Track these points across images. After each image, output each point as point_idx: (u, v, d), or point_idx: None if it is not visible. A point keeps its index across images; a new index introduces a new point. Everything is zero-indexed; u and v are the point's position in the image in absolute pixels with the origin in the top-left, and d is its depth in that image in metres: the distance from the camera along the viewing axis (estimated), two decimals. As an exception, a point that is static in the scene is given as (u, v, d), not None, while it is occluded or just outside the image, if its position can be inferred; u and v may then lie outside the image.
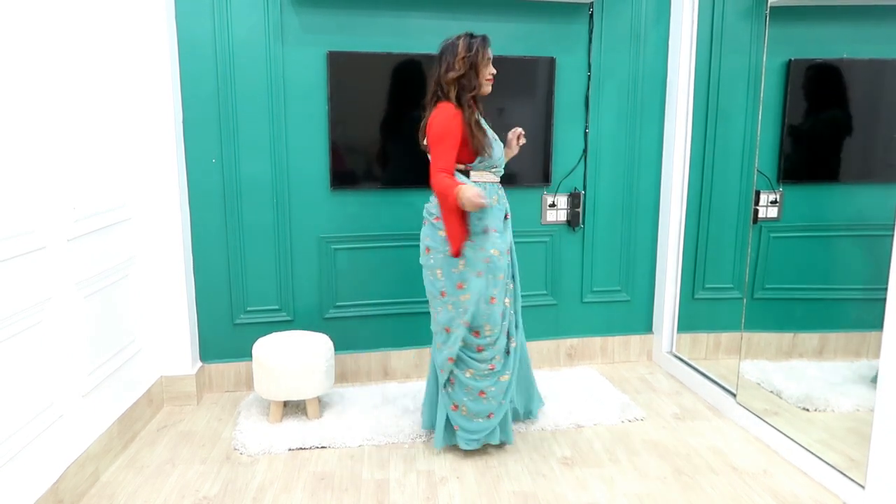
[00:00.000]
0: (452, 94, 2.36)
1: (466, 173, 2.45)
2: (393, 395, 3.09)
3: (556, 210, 3.39)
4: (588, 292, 3.52)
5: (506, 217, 2.53)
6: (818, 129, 3.23)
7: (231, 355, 3.18)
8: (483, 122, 2.47)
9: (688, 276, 3.41)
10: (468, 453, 2.58)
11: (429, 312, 2.59)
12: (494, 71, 2.41)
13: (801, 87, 3.09)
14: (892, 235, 2.03)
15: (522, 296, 3.41)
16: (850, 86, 3.13)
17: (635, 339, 3.61)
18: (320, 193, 3.14)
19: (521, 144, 2.64)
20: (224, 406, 3.04)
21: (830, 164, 3.23)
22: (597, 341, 3.57)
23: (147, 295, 2.91)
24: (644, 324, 3.61)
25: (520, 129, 2.64)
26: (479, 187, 2.36)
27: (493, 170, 2.49)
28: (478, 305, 2.41)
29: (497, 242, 2.41)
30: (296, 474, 2.45)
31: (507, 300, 2.51)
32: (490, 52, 2.39)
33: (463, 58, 2.33)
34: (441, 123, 2.35)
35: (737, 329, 3.00)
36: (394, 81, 3.08)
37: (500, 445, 2.63)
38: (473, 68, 2.34)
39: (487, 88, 2.43)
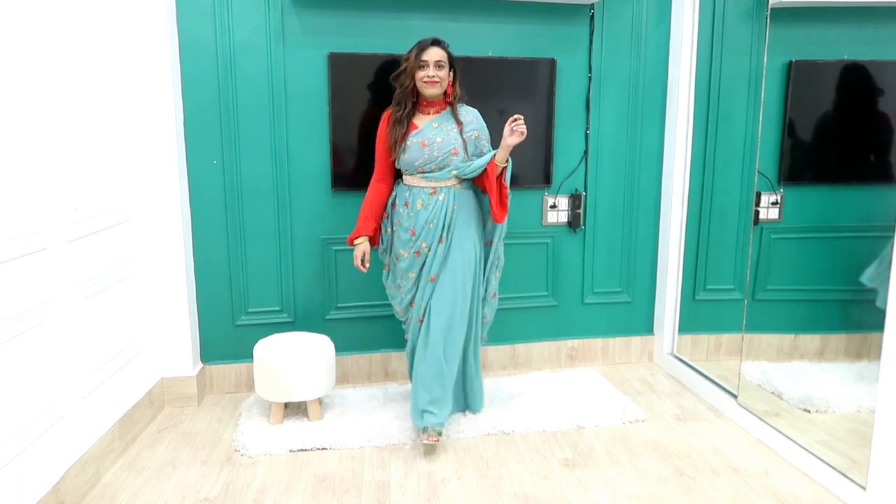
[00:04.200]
0: (395, 94, 2.65)
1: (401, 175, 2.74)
2: (394, 396, 3.09)
3: (557, 211, 3.39)
4: (589, 293, 3.52)
5: (437, 224, 2.64)
6: (819, 130, 3.23)
7: (232, 356, 3.18)
8: (429, 124, 2.63)
9: (689, 278, 3.41)
10: (469, 455, 2.59)
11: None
12: (431, 73, 2.54)
13: (802, 89, 3.09)
14: (893, 236, 2.03)
15: (523, 296, 3.42)
16: (851, 87, 3.13)
17: (636, 341, 3.61)
18: (321, 194, 3.14)
19: (516, 129, 2.48)
20: (225, 407, 3.04)
21: (831, 165, 3.23)
22: (598, 342, 3.57)
23: (148, 296, 2.91)
24: (645, 325, 3.61)
25: (514, 116, 2.50)
26: (364, 248, 2.74)
27: (420, 175, 2.64)
28: (390, 290, 2.86)
29: (400, 245, 2.71)
30: (297, 476, 2.45)
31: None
32: (426, 55, 2.54)
33: (405, 59, 2.60)
34: (378, 129, 2.73)
35: (738, 330, 3.00)
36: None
37: (500, 446, 2.65)
38: (407, 70, 2.57)
39: (425, 90, 2.59)
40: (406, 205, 2.67)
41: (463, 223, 2.67)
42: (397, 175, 2.77)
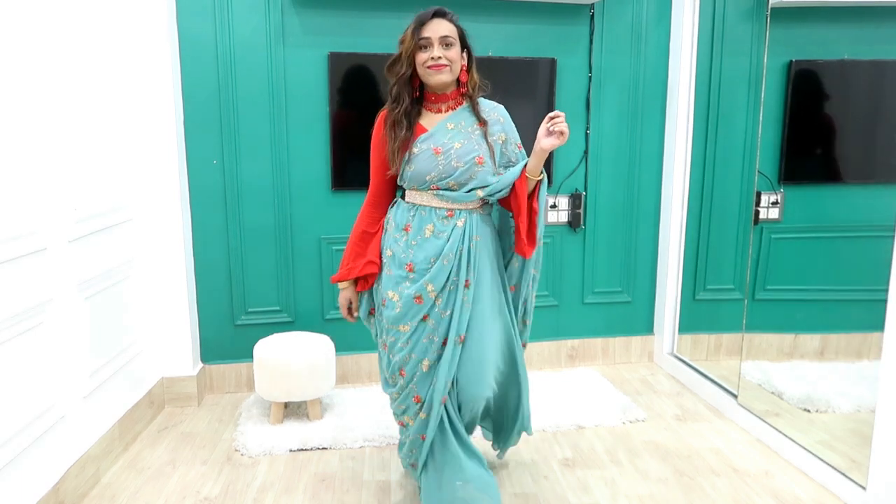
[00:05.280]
0: (391, 88, 1.97)
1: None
2: (394, 396, 3.09)
3: (557, 211, 3.39)
4: (589, 293, 3.52)
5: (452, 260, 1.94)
6: (819, 130, 3.23)
7: (232, 356, 3.18)
8: (442, 125, 1.95)
9: (689, 277, 3.41)
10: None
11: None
12: (436, 54, 1.86)
13: (802, 88, 3.09)
14: (893, 236, 2.03)
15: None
16: (851, 87, 3.13)
17: (636, 341, 3.61)
18: (321, 194, 3.14)
19: (554, 130, 1.85)
20: (225, 407, 3.04)
21: (831, 165, 3.23)
22: (598, 342, 3.57)
23: (148, 296, 2.91)
24: (645, 325, 3.61)
25: (551, 114, 1.86)
26: (348, 291, 2.10)
27: (433, 192, 1.94)
28: (379, 348, 2.12)
29: (390, 284, 1.98)
30: (297, 475, 2.45)
31: (424, 361, 1.97)
32: (428, 31, 1.88)
33: (401, 40, 1.93)
34: (372, 137, 2.04)
35: (738, 330, 3.00)
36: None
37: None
38: (404, 53, 1.91)
39: (430, 78, 1.91)
40: (406, 229, 1.97)
41: (486, 261, 2.00)
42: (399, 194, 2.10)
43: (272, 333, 3.02)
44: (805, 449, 2.45)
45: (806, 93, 3.11)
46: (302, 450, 2.63)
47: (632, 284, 3.55)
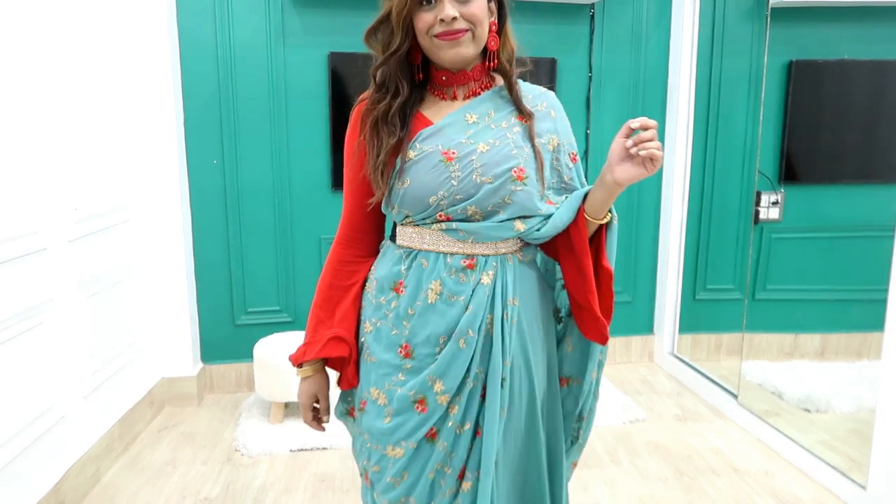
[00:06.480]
0: (372, 69, 1.20)
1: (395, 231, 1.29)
2: (394, 396, 3.09)
3: (557, 211, 3.39)
4: (589, 293, 3.52)
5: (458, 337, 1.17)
6: (819, 130, 3.23)
7: (232, 356, 3.18)
8: (459, 115, 1.20)
9: (689, 277, 3.41)
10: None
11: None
12: (450, 13, 1.11)
13: (802, 89, 3.10)
14: (893, 236, 2.03)
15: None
16: (851, 87, 3.14)
17: (636, 340, 3.61)
18: (321, 194, 3.14)
19: (641, 153, 1.14)
20: (225, 407, 3.04)
21: (831, 165, 3.24)
22: (598, 342, 3.56)
23: (148, 296, 2.91)
24: (645, 325, 3.61)
25: (633, 123, 1.13)
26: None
27: (442, 225, 1.18)
28: (362, 482, 1.35)
29: (374, 377, 1.28)
30: (297, 475, 2.45)
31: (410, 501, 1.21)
32: None
33: None
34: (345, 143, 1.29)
35: (738, 330, 3.01)
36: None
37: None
38: (394, 15, 1.13)
39: (441, 53, 1.15)
40: (397, 289, 1.23)
41: (529, 340, 1.23)
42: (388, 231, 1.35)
43: (272, 333, 3.02)
44: (805, 449, 2.46)
45: (806, 93, 3.11)
46: (302, 450, 2.63)
47: (632, 284, 3.55)
